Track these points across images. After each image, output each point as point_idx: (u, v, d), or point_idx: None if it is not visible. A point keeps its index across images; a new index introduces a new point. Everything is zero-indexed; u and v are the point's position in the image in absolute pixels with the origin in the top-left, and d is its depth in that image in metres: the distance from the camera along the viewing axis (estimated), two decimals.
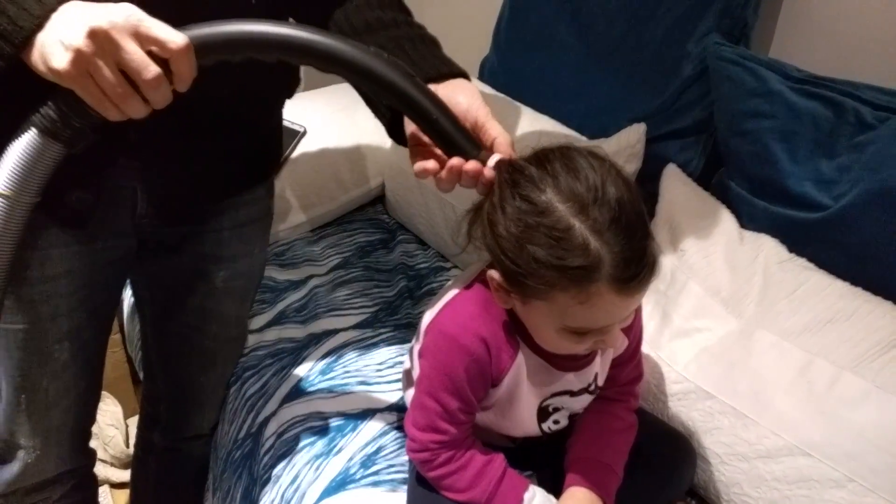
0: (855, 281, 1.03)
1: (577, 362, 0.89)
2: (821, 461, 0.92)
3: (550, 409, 0.93)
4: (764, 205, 1.17)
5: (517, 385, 0.88)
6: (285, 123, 1.56)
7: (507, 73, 1.64)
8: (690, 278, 1.10)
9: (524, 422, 0.93)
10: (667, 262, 1.14)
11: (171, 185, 0.88)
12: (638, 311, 0.95)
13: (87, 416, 1.01)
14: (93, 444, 1.06)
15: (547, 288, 0.72)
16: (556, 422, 0.95)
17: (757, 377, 0.99)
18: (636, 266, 0.70)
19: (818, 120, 1.11)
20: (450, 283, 0.97)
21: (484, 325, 0.84)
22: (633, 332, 0.94)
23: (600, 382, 0.94)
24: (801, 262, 1.08)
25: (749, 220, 1.19)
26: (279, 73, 0.87)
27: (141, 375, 1.27)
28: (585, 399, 0.94)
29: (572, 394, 0.92)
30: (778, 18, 1.33)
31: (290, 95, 0.98)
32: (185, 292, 1.01)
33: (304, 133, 1.56)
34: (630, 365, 0.98)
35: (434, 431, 0.87)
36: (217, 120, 0.85)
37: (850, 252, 1.06)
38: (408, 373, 1.02)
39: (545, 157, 0.74)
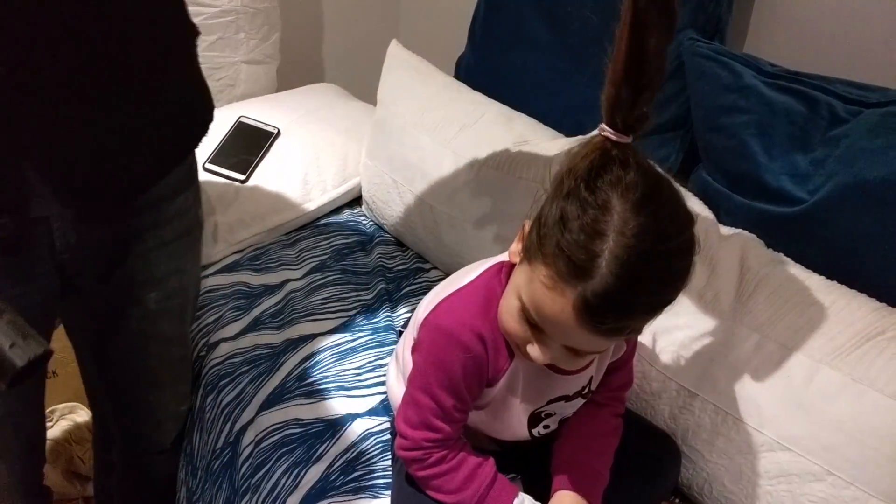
0: (830, 274, 1.04)
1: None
2: (800, 455, 0.92)
3: (543, 415, 0.92)
4: (741, 200, 1.17)
5: (513, 388, 0.88)
6: (258, 125, 1.55)
7: (483, 71, 1.63)
8: None
9: (515, 426, 0.92)
10: None
11: (87, 179, 0.80)
12: None
13: (32, 468, 0.98)
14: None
15: (538, 248, 0.71)
16: (546, 427, 0.94)
17: (736, 373, 0.99)
18: (607, 312, 0.67)
19: (792, 114, 1.11)
20: (449, 278, 0.96)
21: (482, 324, 0.83)
22: (630, 338, 0.94)
23: (594, 386, 0.93)
24: (779, 257, 1.09)
25: (727, 214, 1.19)
26: (161, 22, 0.80)
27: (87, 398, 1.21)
28: (578, 403, 0.94)
29: (567, 398, 0.91)
30: (751, 14, 1.34)
31: (190, 47, 0.88)
32: (118, 318, 0.96)
33: (278, 134, 1.55)
34: (623, 370, 0.97)
35: (427, 429, 0.85)
36: (112, 88, 0.76)
37: (826, 246, 1.06)
38: (394, 372, 1.01)
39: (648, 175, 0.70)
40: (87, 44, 0.70)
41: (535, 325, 0.75)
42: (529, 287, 0.73)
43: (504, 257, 0.87)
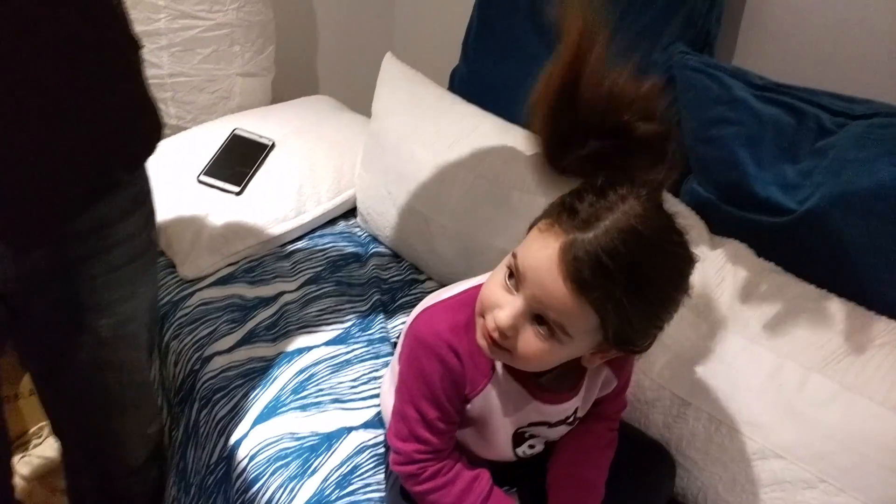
0: (821, 283, 1.05)
1: (556, 395, 0.87)
2: (793, 463, 0.93)
3: (526, 435, 0.92)
4: (732, 210, 1.18)
5: (490, 409, 0.87)
6: (252, 137, 1.56)
7: (476, 83, 1.64)
8: None
9: (499, 447, 0.92)
10: None
11: (14, 206, 0.75)
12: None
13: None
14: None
15: (549, 212, 0.75)
16: (531, 446, 0.94)
17: (729, 381, 1.00)
18: (587, 262, 0.69)
19: (781, 126, 1.12)
20: (440, 290, 0.96)
21: (458, 340, 0.83)
22: (624, 373, 0.94)
23: (580, 415, 0.94)
24: (769, 266, 1.10)
25: (718, 225, 1.20)
26: (96, 36, 0.74)
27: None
28: (563, 430, 0.94)
29: (549, 425, 0.91)
30: (740, 28, 1.36)
31: (130, 63, 0.82)
32: (70, 346, 0.92)
33: (273, 146, 1.55)
34: (618, 399, 0.98)
35: (416, 441, 0.86)
36: (40, 108, 0.71)
37: (816, 255, 1.08)
38: (388, 384, 1.02)
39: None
40: (6, 60, 0.65)
41: (515, 280, 0.75)
42: (524, 242, 0.76)
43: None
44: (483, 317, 0.79)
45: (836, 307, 1.00)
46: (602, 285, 0.70)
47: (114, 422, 1.04)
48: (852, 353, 0.94)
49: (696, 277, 1.07)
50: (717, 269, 1.09)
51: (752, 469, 0.96)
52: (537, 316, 0.75)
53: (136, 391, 1.04)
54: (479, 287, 0.84)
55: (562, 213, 0.73)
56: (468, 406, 0.87)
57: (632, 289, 0.70)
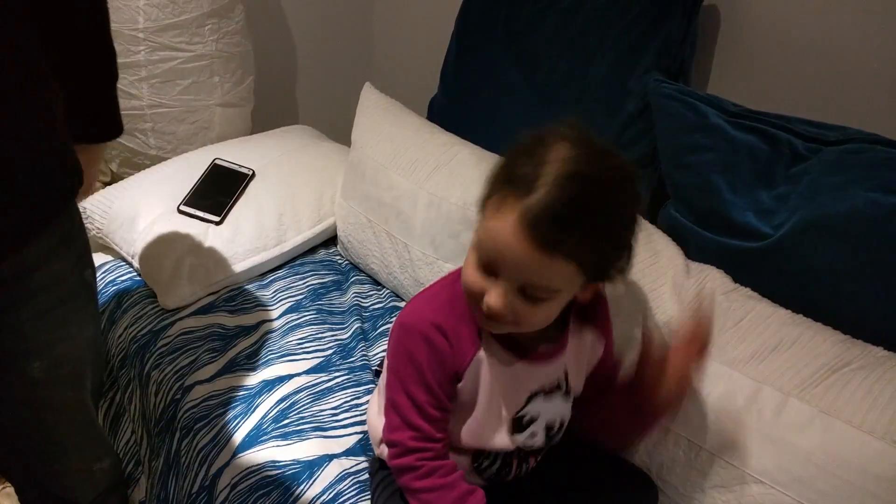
0: (797, 308, 1.07)
1: (543, 353, 0.90)
2: (772, 487, 0.94)
3: (525, 420, 0.93)
4: (709, 236, 1.20)
5: (482, 382, 0.89)
6: (232, 167, 1.56)
7: (455, 113, 1.66)
8: (639, 311, 1.11)
9: (498, 432, 0.92)
10: (615, 294, 1.16)
11: None
12: (606, 307, 0.99)
13: None
14: None
15: (492, 190, 0.79)
16: (532, 435, 0.94)
17: (708, 407, 1.00)
18: (545, 225, 0.73)
19: (755, 152, 1.15)
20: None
21: (442, 317, 0.86)
22: (606, 329, 0.99)
23: (574, 385, 0.95)
24: (746, 292, 1.11)
25: (696, 251, 1.21)
26: (11, 86, 0.73)
27: None
28: (559, 403, 0.94)
29: (545, 394, 0.92)
30: (714, 56, 1.39)
31: (48, 112, 0.80)
32: (2, 388, 0.90)
33: (253, 175, 1.55)
34: (606, 366, 1.00)
35: (408, 427, 0.87)
36: None
37: (792, 280, 1.09)
38: (375, 408, 1.02)
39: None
40: None
41: (489, 265, 0.79)
42: (481, 227, 0.80)
43: None
44: (475, 301, 0.82)
45: (813, 332, 1.01)
46: (567, 236, 0.74)
47: (56, 462, 1.01)
48: (829, 377, 0.95)
49: (674, 305, 1.09)
50: (694, 295, 1.10)
51: (731, 494, 0.96)
52: (523, 286, 0.78)
53: (79, 431, 1.02)
54: (454, 272, 0.90)
55: (503, 186, 0.76)
56: (459, 385, 0.88)
57: (594, 225, 0.75)
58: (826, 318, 1.04)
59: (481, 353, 0.88)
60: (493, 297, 0.79)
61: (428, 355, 0.85)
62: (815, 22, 1.22)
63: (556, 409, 0.95)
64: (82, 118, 0.91)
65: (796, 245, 1.08)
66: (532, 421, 0.93)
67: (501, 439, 0.93)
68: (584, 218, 0.74)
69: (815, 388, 0.95)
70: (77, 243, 0.91)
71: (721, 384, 1.00)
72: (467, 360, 0.87)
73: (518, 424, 0.93)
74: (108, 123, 0.97)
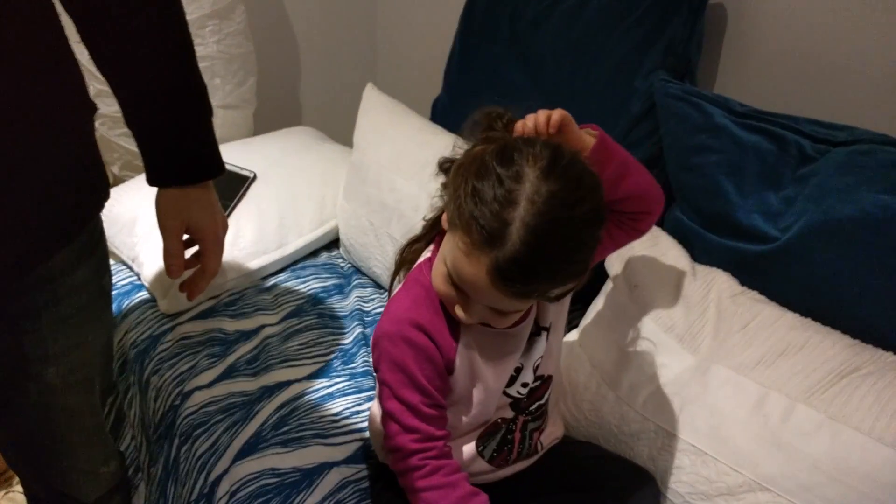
0: (805, 312, 1.04)
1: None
2: (779, 495, 0.92)
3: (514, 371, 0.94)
4: (716, 238, 1.18)
5: (473, 360, 0.89)
6: (234, 169, 1.55)
7: (458, 113, 1.64)
8: (645, 315, 1.09)
9: (495, 396, 0.93)
10: (620, 298, 1.14)
11: None
12: None
13: None
14: None
15: (457, 220, 0.76)
16: (524, 384, 0.95)
17: (714, 413, 0.98)
18: (517, 277, 0.73)
19: (763, 153, 1.13)
20: None
21: (419, 314, 0.86)
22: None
23: (553, 319, 0.96)
24: (753, 295, 1.09)
25: (702, 253, 1.19)
26: (49, 99, 0.75)
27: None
28: (542, 343, 0.95)
29: (527, 347, 0.93)
30: (720, 55, 1.37)
31: (83, 125, 0.82)
32: (17, 394, 0.91)
33: (254, 178, 1.54)
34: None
35: (407, 431, 0.86)
36: None
37: (799, 283, 1.07)
38: (378, 412, 1.01)
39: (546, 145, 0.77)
40: None
41: (460, 289, 0.80)
42: (451, 255, 0.78)
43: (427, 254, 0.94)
44: (448, 303, 0.84)
45: (821, 336, 0.99)
46: (539, 283, 0.75)
47: (64, 461, 1.02)
48: (838, 382, 0.93)
49: (679, 308, 1.07)
50: (701, 299, 1.08)
51: (738, 503, 0.94)
52: (495, 307, 0.80)
53: (87, 434, 1.02)
54: (416, 267, 0.91)
55: (471, 229, 0.74)
56: (452, 378, 0.89)
57: (565, 264, 0.75)
58: (835, 322, 1.02)
59: (465, 339, 0.88)
60: (465, 314, 0.82)
61: (414, 355, 0.85)
62: (824, 20, 1.20)
63: (539, 351, 0.95)
64: (182, 156, 0.90)
65: (804, 248, 1.05)
66: (518, 369, 0.94)
67: (497, 400, 0.95)
68: (555, 263, 0.74)
69: (824, 393, 0.93)
70: (97, 251, 0.92)
71: (727, 389, 0.98)
72: (454, 350, 0.88)
73: (510, 382, 0.94)
74: (209, 158, 0.92)
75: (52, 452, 1.00)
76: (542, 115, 0.84)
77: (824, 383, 0.94)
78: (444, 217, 0.83)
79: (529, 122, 0.83)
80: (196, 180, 0.92)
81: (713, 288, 1.10)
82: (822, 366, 0.96)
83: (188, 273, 0.97)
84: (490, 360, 0.90)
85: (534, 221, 0.71)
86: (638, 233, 0.97)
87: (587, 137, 0.88)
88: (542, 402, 1.00)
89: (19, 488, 1.58)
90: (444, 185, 0.86)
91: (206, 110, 0.91)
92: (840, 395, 0.92)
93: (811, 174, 1.08)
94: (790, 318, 1.03)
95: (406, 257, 0.96)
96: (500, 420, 0.97)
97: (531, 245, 0.71)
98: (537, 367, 0.96)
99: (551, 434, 1.04)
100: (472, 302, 0.80)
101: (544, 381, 0.98)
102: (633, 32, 1.34)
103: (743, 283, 1.12)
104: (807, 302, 1.05)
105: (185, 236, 0.94)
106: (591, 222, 0.75)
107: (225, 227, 0.98)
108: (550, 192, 0.71)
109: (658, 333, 1.07)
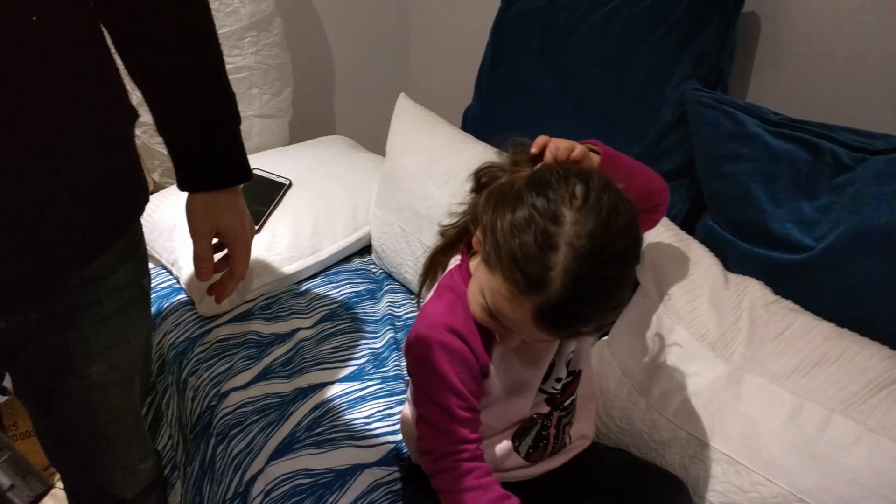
0: (841, 322, 1.03)
1: None
2: None
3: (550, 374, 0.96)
4: (748, 247, 1.18)
5: (510, 362, 0.90)
6: (270, 176, 1.58)
7: (489, 122, 1.66)
8: (676, 323, 1.09)
9: (531, 396, 0.95)
10: (652, 306, 1.14)
11: (4, 270, 0.75)
12: None
13: None
14: None
15: (496, 260, 0.76)
16: (557, 379, 0.97)
17: (747, 422, 0.98)
18: (562, 321, 0.75)
19: (796, 162, 1.12)
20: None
21: (454, 319, 0.87)
22: None
23: None
24: (787, 304, 1.08)
25: (734, 262, 1.19)
26: (93, 106, 0.77)
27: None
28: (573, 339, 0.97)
29: (559, 343, 0.94)
30: (753, 64, 1.36)
31: (125, 132, 0.85)
32: (60, 389, 0.93)
33: (290, 185, 1.57)
34: None
35: (441, 434, 0.87)
36: (36, 174, 0.71)
37: (835, 293, 1.06)
38: (410, 415, 1.02)
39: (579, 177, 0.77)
40: (5, 126, 0.66)
41: (501, 323, 0.81)
42: (491, 294, 0.79)
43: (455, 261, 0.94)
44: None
45: (858, 346, 0.98)
46: (583, 322, 0.76)
47: (105, 456, 1.04)
48: (877, 394, 0.92)
49: (712, 317, 1.07)
50: (733, 307, 1.08)
51: None
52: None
53: (128, 431, 1.05)
54: (447, 275, 0.92)
55: (513, 274, 0.74)
56: (487, 381, 0.90)
57: (607, 300, 0.76)
58: (872, 332, 1.01)
59: (500, 345, 0.89)
60: (503, 341, 0.85)
61: (449, 359, 0.86)
62: (857, 29, 1.19)
63: (568, 347, 0.96)
64: (211, 162, 0.93)
65: (840, 257, 1.05)
66: (552, 366, 0.95)
67: (535, 401, 0.96)
68: (597, 303, 0.76)
69: (862, 404, 0.91)
70: (138, 253, 0.95)
71: (761, 398, 0.98)
72: (489, 354, 0.89)
73: (545, 379, 0.96)
74: (237, 164, 0.96)
75: (93, 449, 1.02)
76: (563, 150, 0.84)
77: (862, 394, 0.93)
78: (476, 240, 0.84)
79: (549, 156, 0.84)
80: (224, 185, 0.95)
81: (746, 296, 1.09)
82: (859, 377, 0.94)
83: (216, 277, 1.00)
84: (526, 361, 0.92)
85: (575, 265, 0.72)
86: (654, 223, 1.03)
87: (593, 157, 0.89)
88: (575, 396, 1.00)
89: (60, 485, 1.61)
90: (473, 191, 0.90)
91: (235, 118, 0.94)
92: (879, 407, 0.91)
93: (848, 183, 1.07)
94: (826, 327, 1.02)
95: (435, 264, 0.98)
96: (535, 416, 0.98)
97: (573, 290, 0.72)
98: (569, 361, 0.97)
99: (579, 430, 1.05)
100: (509, 332, 0.83)
101: (576, 376, 0.99)
102: (664, 42, 1.35)
103: (776, 291, 1.11)
104: (842, 311, 1.04)
105: (215, 241, 0.97)
106: (628, 259, 0.77)
107: (252, 232, 1.01)
108: (589, 234, 0.72)
109: (690, 341, 1.07)
